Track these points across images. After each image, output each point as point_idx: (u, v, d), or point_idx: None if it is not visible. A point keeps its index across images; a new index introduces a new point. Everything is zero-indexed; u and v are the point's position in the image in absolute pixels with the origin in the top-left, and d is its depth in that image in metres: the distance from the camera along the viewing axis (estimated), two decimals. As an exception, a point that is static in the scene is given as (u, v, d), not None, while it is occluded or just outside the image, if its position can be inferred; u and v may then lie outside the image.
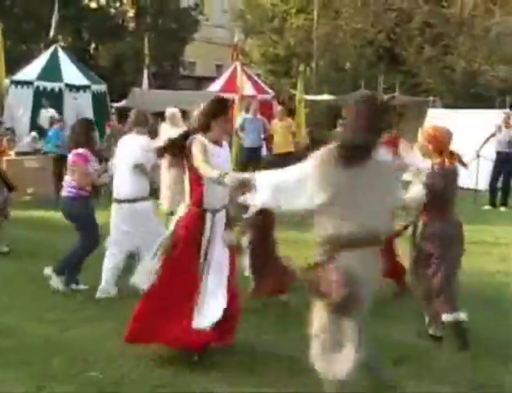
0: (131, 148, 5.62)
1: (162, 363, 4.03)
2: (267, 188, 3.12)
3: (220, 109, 4.12)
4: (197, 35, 26.38)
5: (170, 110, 7.92)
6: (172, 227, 4.14)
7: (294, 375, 3.85)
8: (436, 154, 4.43)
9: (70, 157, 5.59)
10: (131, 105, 12.12)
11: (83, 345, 4.34)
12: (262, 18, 23.51)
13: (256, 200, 3.18)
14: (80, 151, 5.55)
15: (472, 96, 19.82)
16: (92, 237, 5.59)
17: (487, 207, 11.07)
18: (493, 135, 10.99)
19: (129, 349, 4.18)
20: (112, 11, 24.33)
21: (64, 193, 5.64)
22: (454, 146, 4.93)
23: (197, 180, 3.98)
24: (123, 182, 5.55)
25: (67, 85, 13.83)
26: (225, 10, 31.18)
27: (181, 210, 4.14)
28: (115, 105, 15.42)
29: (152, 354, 4.12)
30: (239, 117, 12.76)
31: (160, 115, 12.84)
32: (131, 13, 24.41)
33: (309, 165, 3.09)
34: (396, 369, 4.00)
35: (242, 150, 12.80)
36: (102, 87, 14.80)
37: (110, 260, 5.54)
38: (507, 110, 13.02)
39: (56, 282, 5.58)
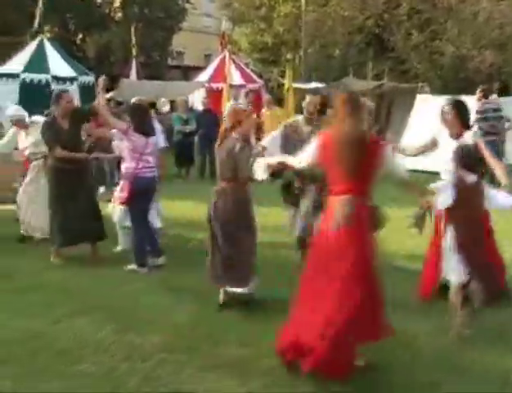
0: None
1: (152, 354, 4.02)
2: None
3: None
4: (185, 24, 26.17)
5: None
6: None
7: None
8: None
9: (152, 141, 6.14)
10: (119, 96, 12.01)
11: (71, 339, 4.29)
12: (249, 6, 23.36)
13: None
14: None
15: (461, 81, 19.83)
16: None
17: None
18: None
19: (119, 339, 4.21)
20: (98, 1, 24.07)
21: (151, 174, 6.11)
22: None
23: None
24: None
25: (54, 77, 13.70)
26: (212, -2, 30.97)
27: None
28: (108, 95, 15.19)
29: (142, 346, 4.14)
30: (227, 106, 12.70)
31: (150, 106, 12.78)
32: (117, 3, 24.16)
33: None
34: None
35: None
36: (90, 78, 14.67)
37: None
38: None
39: (142, 270, 6.02)
